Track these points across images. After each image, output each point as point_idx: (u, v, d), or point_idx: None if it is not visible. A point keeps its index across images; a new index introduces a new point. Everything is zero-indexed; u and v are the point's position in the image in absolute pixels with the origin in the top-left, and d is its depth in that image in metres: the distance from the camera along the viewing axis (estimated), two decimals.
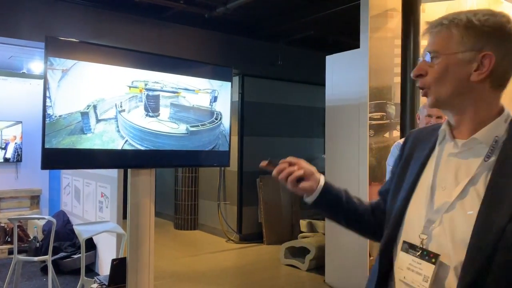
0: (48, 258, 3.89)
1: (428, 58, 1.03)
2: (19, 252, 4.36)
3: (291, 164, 1.18)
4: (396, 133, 3.99)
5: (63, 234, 5.20)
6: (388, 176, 3.05)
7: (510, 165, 0.94)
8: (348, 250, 4.36)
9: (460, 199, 0.97)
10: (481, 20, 0.98)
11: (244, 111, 6.67)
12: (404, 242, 1.05)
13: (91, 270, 4.71)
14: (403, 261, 1.04)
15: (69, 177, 5.52)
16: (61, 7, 4.89)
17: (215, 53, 6.11)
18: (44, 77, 2.39)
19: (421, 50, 3.75)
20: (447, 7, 3.97)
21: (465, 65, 0.99)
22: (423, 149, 1.13)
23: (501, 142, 0.98)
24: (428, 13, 3.95)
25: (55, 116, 2.41)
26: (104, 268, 4.51)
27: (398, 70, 3.89)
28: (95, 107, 2.55)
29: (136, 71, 2.73)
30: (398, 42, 3.87)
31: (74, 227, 3.97)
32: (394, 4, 4.06)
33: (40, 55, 5.22)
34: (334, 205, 1.22)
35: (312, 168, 1.20)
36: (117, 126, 2.65)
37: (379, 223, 1.20)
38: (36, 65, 6.27)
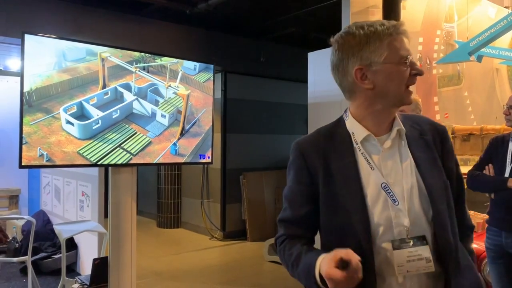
0: (28, 258, 3.82)
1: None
2: None
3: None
4: None
5: (43, 234, 5.11)
6: None
7: (419, 144, 1.17)
8: None
9: (404, 179, 1.12)
10: None
11: (227, 108, 6.65)
12: (393, 241, 1.08)
13: (72, 270, 4.64)
14: (400, 257, 1.07)
15: (49, 176, 5.42)
16: (39, 2, 4.79)
17: (197, 49, 6.07)
18: (21, 74, 2.34)
19: None
20: (427, 4, 4.02)
21: None
22: (340, 159, 1.15)
23: (403, 130, 1.17)
24: (409, 10, 3.99)
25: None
26: (86, 268, 4.45)
27: None
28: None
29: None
30: None
31: (54, 226, 3.90)
32: (375, 1, 4.09)
33: (17, 51, 5.11)
34: None
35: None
36: None
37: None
38: (14, 62, 6.14)
